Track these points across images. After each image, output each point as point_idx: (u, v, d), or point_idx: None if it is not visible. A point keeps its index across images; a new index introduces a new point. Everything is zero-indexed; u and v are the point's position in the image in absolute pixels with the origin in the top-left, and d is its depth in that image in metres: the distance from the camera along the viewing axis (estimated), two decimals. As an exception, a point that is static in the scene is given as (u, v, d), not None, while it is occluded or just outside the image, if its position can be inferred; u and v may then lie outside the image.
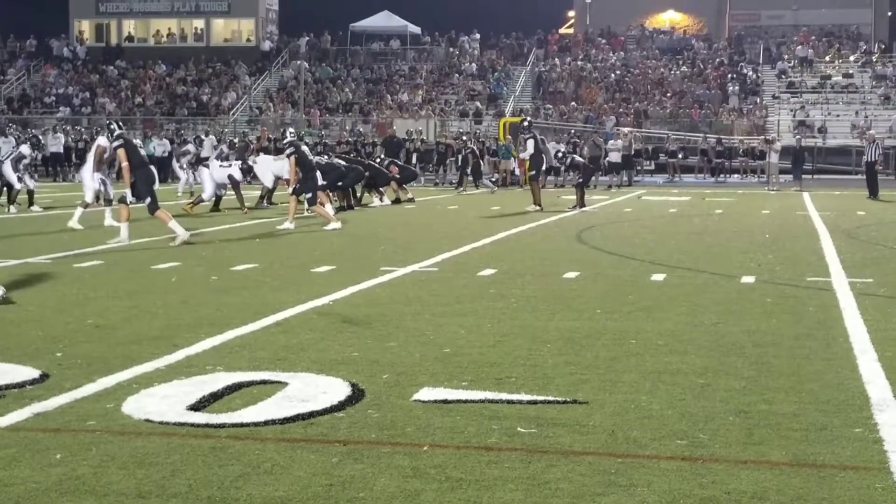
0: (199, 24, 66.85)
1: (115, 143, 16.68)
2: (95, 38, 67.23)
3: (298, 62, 59.29)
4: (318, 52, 63.98)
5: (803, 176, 39.20)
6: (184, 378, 7.11)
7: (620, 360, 7.78)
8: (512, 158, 39.40)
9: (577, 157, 28.73)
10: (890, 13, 70.43)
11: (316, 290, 11.33)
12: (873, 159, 32.08)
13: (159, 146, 43.37)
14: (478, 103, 54.98)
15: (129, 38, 67.01)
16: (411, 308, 10.20)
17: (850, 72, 58.12)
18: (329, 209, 21.41)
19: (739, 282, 12.30)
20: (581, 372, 7.36)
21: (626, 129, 43.74)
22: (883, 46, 61.15)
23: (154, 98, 59.07)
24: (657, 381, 7.07)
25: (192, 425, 5.99)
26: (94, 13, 66.98)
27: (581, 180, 26.44)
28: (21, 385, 6.89)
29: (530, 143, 25.79)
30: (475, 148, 37.59)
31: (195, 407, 6.37)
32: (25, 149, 25.25)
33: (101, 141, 19.80)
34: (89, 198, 20.06)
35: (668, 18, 71.21)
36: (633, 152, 42.80)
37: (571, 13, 76.40)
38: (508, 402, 6.52)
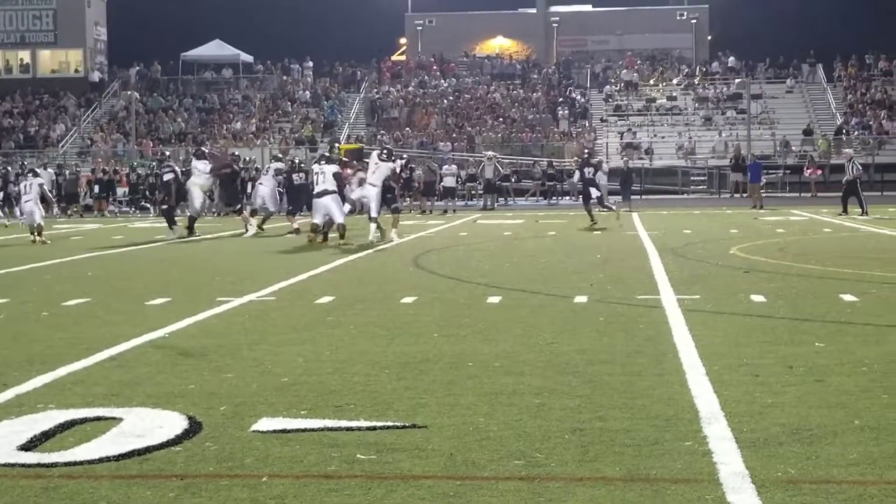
0: (24, 55, 65.20)
1: None
2: (-84, 71, 65.04)
3: (129, 92, 58.37)
4: (148, 82, 63.05)
5: (632, 196, 40.21)
6: (14, 417, 6.92)
7: (458, 382, 7.86)
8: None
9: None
10: (710, 37, 72.84)
11: (151, 322, 11.14)
12: (853, 176, 32.57)
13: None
14: (306, 129, 54.74)
15: (-47, 71, 65.05)
16: (248, 338, 10.12)
17: (674, 94, 59.88)
18: None
19: (573, 302, 12.53)
20: (419, 396, 7.41)
21: (490, 154, 43.84)
22: (704, 69, 63.17)
23: (-21, 131, 57.43)
24: (494, 403, 7.16)
25: (23, 466, 5.83)
26: (-87, 45, 64.79)
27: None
28: None
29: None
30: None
31: (26, 447, 6.20)
32: None
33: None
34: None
35: (498, 45, 72.30)
36: (502, 176, 43.40)
37: (403, 40, 76.92)
38: (348, 429, 6.52)
